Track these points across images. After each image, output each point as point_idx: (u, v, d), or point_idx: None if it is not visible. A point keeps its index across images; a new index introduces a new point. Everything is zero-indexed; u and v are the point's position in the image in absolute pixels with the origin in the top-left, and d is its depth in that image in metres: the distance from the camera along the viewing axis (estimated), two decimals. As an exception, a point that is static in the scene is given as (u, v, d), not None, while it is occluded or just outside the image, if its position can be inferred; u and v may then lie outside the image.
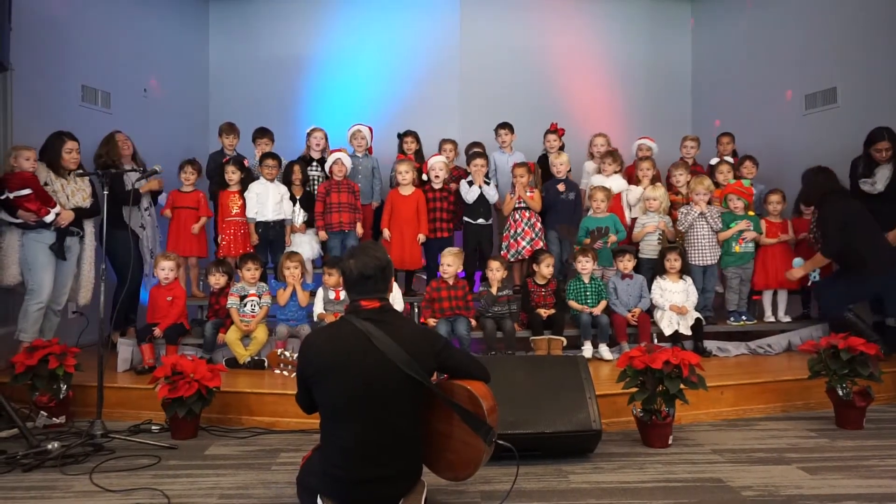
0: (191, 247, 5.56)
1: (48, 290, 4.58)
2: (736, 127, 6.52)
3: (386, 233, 5.54)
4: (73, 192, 4.74)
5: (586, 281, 5.07)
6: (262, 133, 6.05)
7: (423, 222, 5.52)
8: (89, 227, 4.89)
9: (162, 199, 5.66)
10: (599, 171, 5.90)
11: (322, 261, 5.71)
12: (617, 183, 5.78)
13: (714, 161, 6.02)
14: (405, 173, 5.53)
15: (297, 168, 5.73)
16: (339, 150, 5.72)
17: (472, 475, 2.60)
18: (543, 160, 6.17)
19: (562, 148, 6.09)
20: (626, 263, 5.07)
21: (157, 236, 5.63)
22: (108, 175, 3.86)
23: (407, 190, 5.56)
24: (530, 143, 6.35)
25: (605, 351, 4.87)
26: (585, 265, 5.05)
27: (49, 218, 4.49)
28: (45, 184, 4.60)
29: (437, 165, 5.62)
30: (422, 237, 5.52)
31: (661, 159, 6.51)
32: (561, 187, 5.62)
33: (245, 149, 6.08)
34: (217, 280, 5.03)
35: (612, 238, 5.36)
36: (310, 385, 2.51)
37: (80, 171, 4.74)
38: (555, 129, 6.16)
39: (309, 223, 5.66)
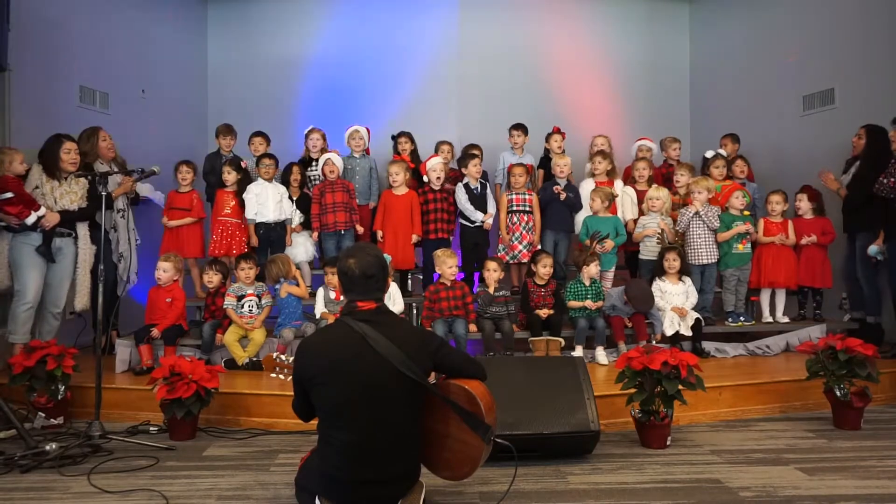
0: (188, 248, 5.53)
1: (34, 291, 4.54)
2: (734, 128, 6.52)
3: (379, 234, 5.54)
4: (62, 196, 4.66)
5: (587, 283, 5.06)
6: (256, 134, 6.06)
7: (417, 223, 5.52)
8: (83, 230, 4.81)
9: (160, 200, 5.61)
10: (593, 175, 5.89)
11: (320, 262, 5.70)
12: (588, 186, 5.75)
13: (709, 154, 6.02)
14: (397, 174, 5.53)
15: (296, 169, 5.74)
16: (331, 152, 5.73)
17: (471, 474, 2.60)
18: (545, 162, 6.16)
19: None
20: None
21: (135, 240, 5.27)
22: (105, 177, 3.86)
23: (400, 190, 5.57)
24: (528, 144, 6.33)
25: (600, 355, 4.86)
26: (587, 270, 5.04)
27: (30, 220, 4.44)
28: (36, 186, 4.57)
29: (437, 167, 5.62)
30: (415, 238, 5.52)
31: (659, 160, 6.53)
32: (557, 189, 5.61)
33: (242, 150, 6.08)
34: (210, 279, 5.02)
35: (611, 243, 5.34)
36: (307, 388, 2.51)
37: (78, 172, 4.70)
38: (558, 131, 6.17)
39: (304, 224, 5.66)
